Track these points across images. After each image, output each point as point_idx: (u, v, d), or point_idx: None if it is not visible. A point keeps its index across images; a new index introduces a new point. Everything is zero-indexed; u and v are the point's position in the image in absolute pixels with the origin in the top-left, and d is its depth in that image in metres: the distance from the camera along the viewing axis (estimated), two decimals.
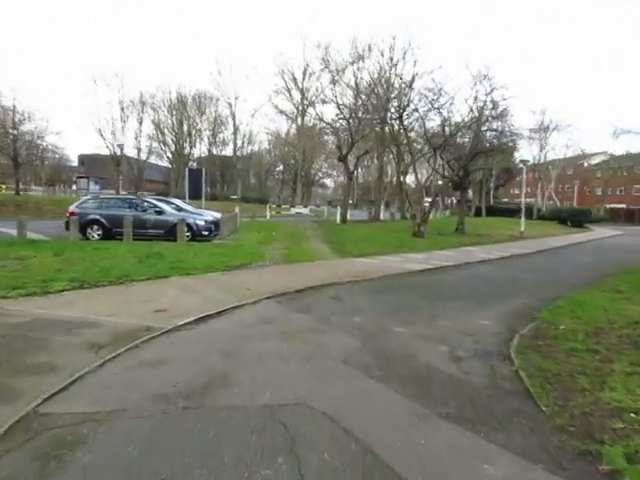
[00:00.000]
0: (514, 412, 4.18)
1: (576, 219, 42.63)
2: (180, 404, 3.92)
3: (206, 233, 17.67)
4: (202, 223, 17.73)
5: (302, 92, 46.06)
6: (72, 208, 17.19)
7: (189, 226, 17.06)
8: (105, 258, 11.45)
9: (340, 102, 27.83)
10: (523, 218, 28.07)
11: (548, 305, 8.88)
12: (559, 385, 4.85)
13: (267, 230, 22.88)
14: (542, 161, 56.72)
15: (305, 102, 46.28)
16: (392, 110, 24.12)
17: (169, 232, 16.67)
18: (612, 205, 64.93)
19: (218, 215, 20.89)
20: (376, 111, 24.82)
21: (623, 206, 64.42)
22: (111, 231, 16.74)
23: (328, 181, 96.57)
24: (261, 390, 4.28)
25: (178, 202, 21.56)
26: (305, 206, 37.58)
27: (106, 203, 17.91)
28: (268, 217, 30.58)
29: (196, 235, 17.28)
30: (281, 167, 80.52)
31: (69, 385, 4.18)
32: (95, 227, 16.91)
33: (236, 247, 15.13)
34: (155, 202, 18.16)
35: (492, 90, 24.01)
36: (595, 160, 72.11)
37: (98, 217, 16.97)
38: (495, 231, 29.66)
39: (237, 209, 24.87)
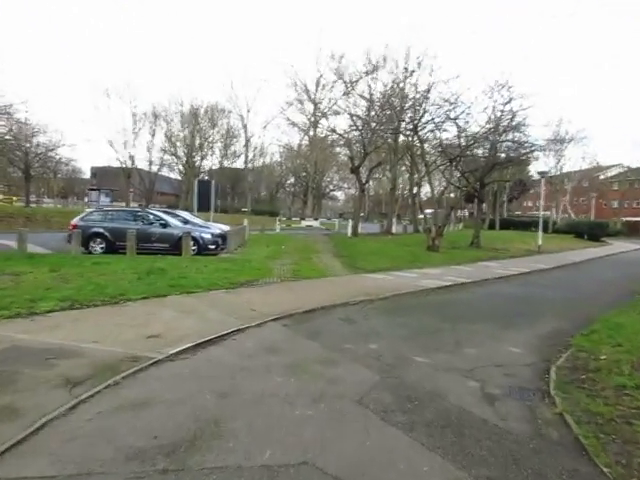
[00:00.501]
0: (569, 475, 3.41)
1: (593, 232, 41.54)
2: (159, 464, 3.19)
3: (212, 247, 17.04)
4: (208, 236, 17.11)
5: (314, 103, 45.56)
6: (75, 221, 16.65)
7: (195, 240, 16.44)
8: (103, 274, 10.82)
9: (353, 113, 27.33)
10: (540, 232, 27.16)
11: (581, 329, 8.08)
12: (616, 435, 4.08)
13: (276, 244, 22.21)
14: (558, 173, 55.60)
15: (317, 114, 45.78)
16: (407, 120, 23.49)
17: (174, 246, 16.07)
18: (629, 218, 63.48)
19: (226, 228, 20.29)
20: (390, 122, 24.19)
21: None
22: (115, 245, 16.16)
23: (339, 193, 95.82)
24: (260, 444, 3.54)
25: (185, 215, 20.99)
26: (315, 219, 36.78)
27: (110, 216, 17.34)
28: (278, 230, 29.92)
29: (202, 249, 16.66)
30: (292, 180, 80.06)
31: (29, 436, 3.48)
32: (98, 240, 16.34)
33: (243, 262, 14.45)
34: (160, 215, 17.59)
35: (510, 100, 23.29)
36: (611, 172, 70.82)
37: (101, 230, 16.41)
38: (511, 245, 28.77)
39: (246, 222, 24.25)
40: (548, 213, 69.76)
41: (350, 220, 29.82)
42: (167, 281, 10.23)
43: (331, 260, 17.12)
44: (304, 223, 32.38)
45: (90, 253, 16.03)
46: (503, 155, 24.48)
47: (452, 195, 56.46)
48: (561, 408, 4.61)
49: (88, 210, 18.54)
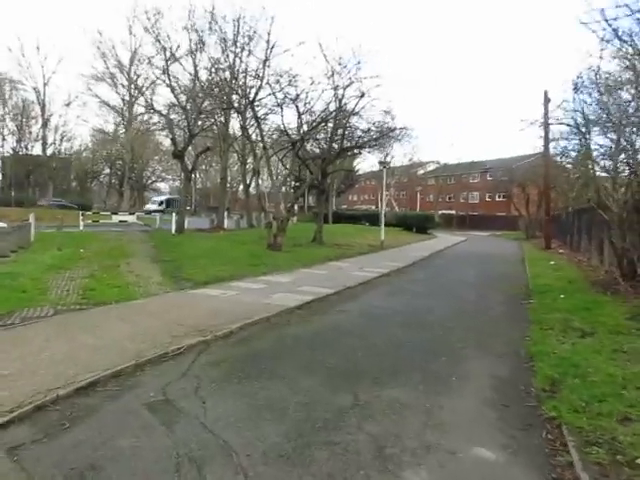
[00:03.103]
0: None
1: (422, 225, 42.61)
2: None
3: None
4: None
5: (129, 79, 39.11)
6: None
7: None
8: None
9: (174, 85, 22.58)
10: (383, 226, 25.68)
11: (524, 372, 5.62)
12: None
13: (75, 245, 16.90)
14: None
15: (134, 91, 39.36)
16: (240, 94, 19.75)
17: None
18: (444, 211, 68.14)
19: None
20: (219, 97, 20.21)
21: (453, 212, 68.01)
22: None
23: (163, 185, 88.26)
24: None
25: None
26: (131, 213, 31.00)
27: None
28: (81, 227, 24.02)
29: None
30: (108, 169, 70.65)
31: None
32: None
33: (3, 278, 9.45)
34: None
35: (351, 82, 21.03)
36: (429, 168, 75.72)
37: None
38: (352, 240, 26.93)
39: (31, 217, 18.35)
40: (373, 207, 72.35)
41: (174, 214, 25.11)
42: None
43: (147, 268, 12.76)
44: (116, 218, 26.71)
45: None
46: (354, 142, 22.11)
47: (283, 189, 54.18)
48: None
49: None
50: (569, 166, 38.07)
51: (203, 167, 79.03)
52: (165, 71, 23.37)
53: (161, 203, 52.22)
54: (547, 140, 26.91)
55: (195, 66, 23.52)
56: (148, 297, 8.91)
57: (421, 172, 73.57)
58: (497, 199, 66.98)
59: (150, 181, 78.73)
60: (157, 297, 8.98)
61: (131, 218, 27.83)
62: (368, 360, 5.77)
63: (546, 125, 26.91)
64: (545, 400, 4.67)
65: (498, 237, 45.70)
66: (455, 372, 5.49)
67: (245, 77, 19.92)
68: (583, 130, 12.36)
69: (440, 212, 67.22)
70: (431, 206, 66.85)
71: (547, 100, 26.91)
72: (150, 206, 49.96)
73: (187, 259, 14.69)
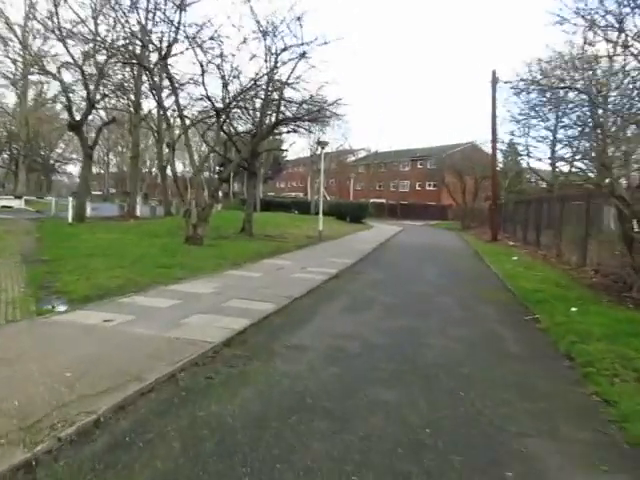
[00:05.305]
0: None
1: (356, 214, 40.40)
2: None
3: None
4: None
5: (23, 41, 33.23)
6: None
7: None
8: None
9: (66, 35, 18.06)
10: (321, 215, 22.71)
11: None
12: None
13: None
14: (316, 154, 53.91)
15: (28, 55, 33.51)
16: (151, 48, 15.93)
17: None
18: (374, 200, 66.51)
19: None
20: (121, 52, 16.16)
21: (384, 201, 66.53)
22: None
23: (72, 167, 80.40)
24: None
25: None
26: (18, 197, 25.97)
27: None
28: None
29: None
30: (6, 148, 62.47)
31: None
32: None
33: None
34: None
35: (284, 49, 17.85)
36: (360, 155, 73.77)
37: None
38: (286, 230, 23.90)
39: None
40: (301, 194, 69.60)
41: (70, 199, 20.73)
42: None
43: (8, 274, 9.02)
44: None
45: None
46: (281, 115, 18.85)
47: (206, 173, 50.03)
48: None
49: None
50: (499, 155, 37.06)
51: (119, 149, 72.76)
52: (51, 17, 18.84)
53: None
54: (495, 122, 25.10)
55: (95, 18, 19.19)
56: None
57: (352, 159, 71.43)
58: (427, 188, 66.30)
59: (58, 163, 71.27)
60: None
61: (17, 203, 23.05)
62: None
63: (494, 107, 25.07)
64: None
65: (433, 227, 44.41)
66: None
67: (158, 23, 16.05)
68: (594, 99, 9.87)
69: (371, 201, 65.50)
70: (361, 194, 64.98)
71: (495, 80, 25.03)
72: None
73: (75, 258, 11.06)
